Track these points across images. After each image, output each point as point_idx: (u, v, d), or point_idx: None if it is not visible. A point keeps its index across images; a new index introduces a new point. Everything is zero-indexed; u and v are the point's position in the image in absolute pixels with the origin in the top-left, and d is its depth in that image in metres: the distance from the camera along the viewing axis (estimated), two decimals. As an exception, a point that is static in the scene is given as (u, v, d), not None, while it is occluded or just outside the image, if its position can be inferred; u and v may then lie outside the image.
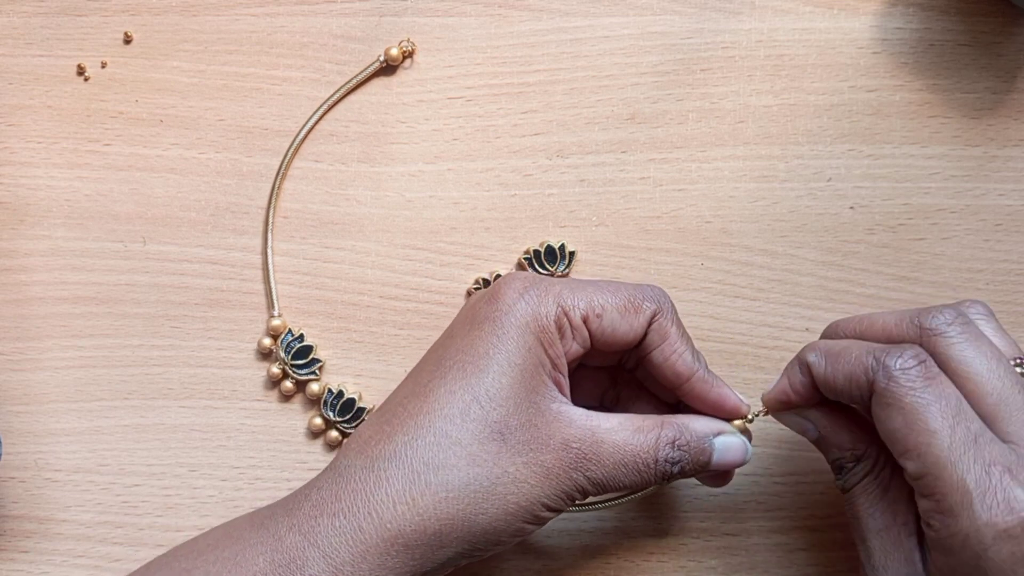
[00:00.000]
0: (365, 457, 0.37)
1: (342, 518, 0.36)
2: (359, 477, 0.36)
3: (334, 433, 0.45)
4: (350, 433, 0.45)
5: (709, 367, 0.40)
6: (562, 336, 0.38)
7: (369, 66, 0.46)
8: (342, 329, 0.46)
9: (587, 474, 0.37)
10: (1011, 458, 0.34)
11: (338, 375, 0.46)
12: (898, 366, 0.35)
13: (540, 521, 0.37)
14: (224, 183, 0.46)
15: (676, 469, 0.38)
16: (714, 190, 0.46)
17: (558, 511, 0.38)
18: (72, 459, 0.45)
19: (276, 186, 0.46)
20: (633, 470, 0.37)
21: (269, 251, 0.46)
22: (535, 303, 0.38)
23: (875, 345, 0.36)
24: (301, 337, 0.45)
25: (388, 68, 0.46)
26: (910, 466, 0.35)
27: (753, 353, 0.46)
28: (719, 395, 0.39)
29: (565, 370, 0.38)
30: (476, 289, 0.45)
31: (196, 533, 0.45)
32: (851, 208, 0.46)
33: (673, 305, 0.40)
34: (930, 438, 0.34)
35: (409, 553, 0.36)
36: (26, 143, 0.46)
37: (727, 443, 0.39)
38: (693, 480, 0.45)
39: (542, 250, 0.46)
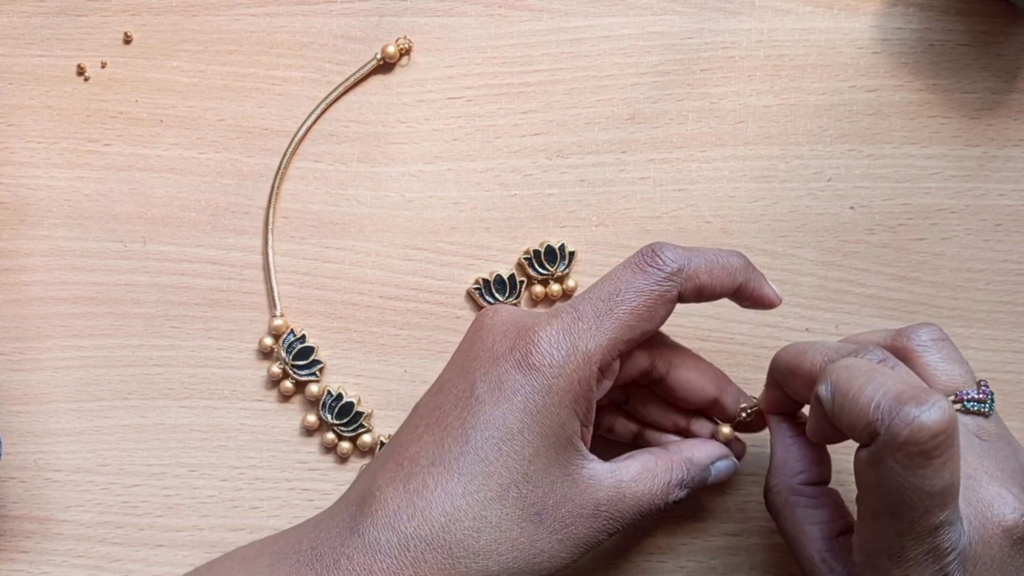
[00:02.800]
0: (399, 535, 0.35)
1: None
2: (394, 556, 0.35)
3: (330, 435, 0.45)
4: (347, 436, 0.45)
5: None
6: (598, 384, 0.37)
7: (366, 64, 0.46)
8: (342, 329, 0.46)
9: (610, 531, 0.37)
10: None
11: (338, 375, 0.46)
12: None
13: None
14: (224, 183, 0.46)
15: (679, 504, 0.39)
16: (714, 190, 0.46)
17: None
18: (72, 459, 0.45)
19: (276, 186, 0.46)
20: (646, 515, 0.38)
21: (270, 251, 0.46)
22: (568, 374, 0.36)
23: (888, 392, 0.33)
24: (303, 338, 0.45)
25: (386, 66, 0.46)
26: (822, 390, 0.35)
27: (753, 353, 0.46)
28: (760, 295, 0.40)
29: (592, 420, 0.38)
30: (476, 290, 0.45)
31: (196, 533, 0.45)
32: (851, 208, 0.46)
33: (677, 254, 0.38)
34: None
35: None
36: (26, 143, 0.46)
37: (721, 467, 0.41)
38: (693, 480, 0.45)
39: (542, 250, 0.46)
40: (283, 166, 0.46)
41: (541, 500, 0.36)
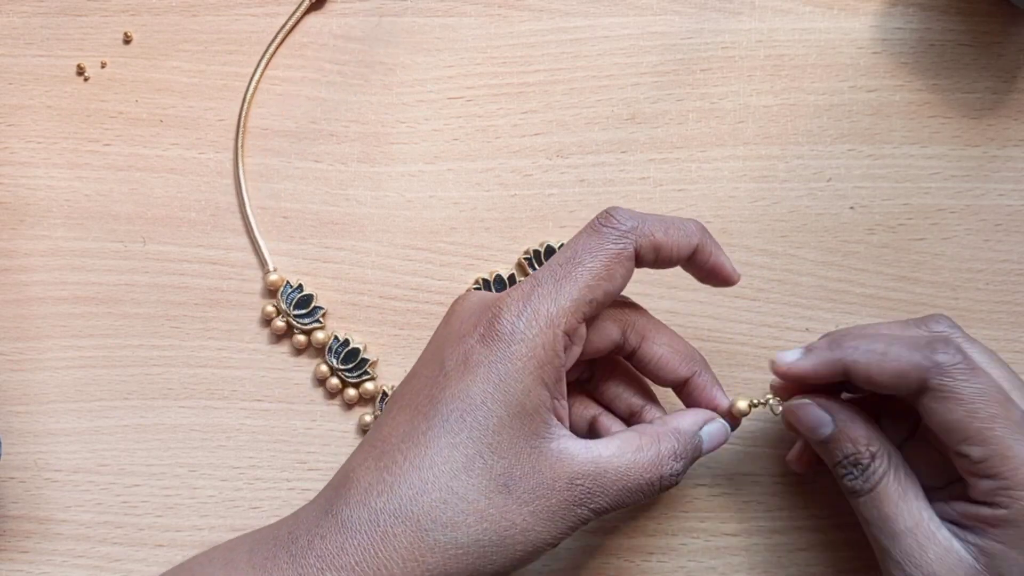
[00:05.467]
0: (369, 510, 0.36)
1: (349, 573, 0.35)
2: (365, 531, 0.36)
3: (335, 381, 0.45)
4: (352, 382, 0.45)
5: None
6: (567, 351, 0.37)
7: (299, 6, 0.46)
8: (342, 329, 0.46)
9: (591, 506, 0.37)
10: None
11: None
12: (950, 362, 0.37)
13: (540, 555, 0.37)
14: (224, 183, 0.46)
15: (678, 478, 0.38)
16: (714, 190, 0.46)
17: (556, 544, 0.37)
18: (72, 459, 0.45)
19: (247, 99, 0.46)
20: (637, 491, 0.37)
21: (246, 200, 0.46)
22: (531, 339, 0.36)
23: (914, 338, 0.38)
24: (300, 287, 0.45)
25: (318, 3, 0.46)
26: (975, 451, 0.36)
27: (753, 353, 0.46)
28: (716, 263, 0.39)
29: (564, 394, 0.38)
30: (476, 290, 0.45)
31: (196, 533, 0.45)
32: (851, 208, 0.46)
33: (631, 214, 0.38)
34: (992, 422, 0.36)
35: None
36: (26, 143, 0.46)
37: (712, 431, 0.40)
38: (694, 480, 0.45)
39: (542, 250, 0.46)
40: (252, 86, 0.46)
41: (508, 471, 0.36)
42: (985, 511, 0.37)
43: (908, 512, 0.38)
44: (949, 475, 0.38)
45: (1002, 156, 0.46)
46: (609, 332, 0.40)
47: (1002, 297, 0.46)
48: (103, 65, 0.47)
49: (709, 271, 0.39)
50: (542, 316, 0.36)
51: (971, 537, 0.37)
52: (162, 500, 0.45)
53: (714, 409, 0.40)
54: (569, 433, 0.37)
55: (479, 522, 0.36)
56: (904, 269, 0.46)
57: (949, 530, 0.37)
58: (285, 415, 0.46)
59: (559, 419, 0.37)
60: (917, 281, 0.46)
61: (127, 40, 0.47)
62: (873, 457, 0.38)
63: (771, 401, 0.41)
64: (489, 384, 0.36)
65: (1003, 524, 0.36)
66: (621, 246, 0.37)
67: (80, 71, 0.47)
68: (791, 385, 0.41)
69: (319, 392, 0.46)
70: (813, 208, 0.46)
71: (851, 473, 0.39)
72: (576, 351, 0.38)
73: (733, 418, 0.41)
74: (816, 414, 0.39)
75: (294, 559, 0.36)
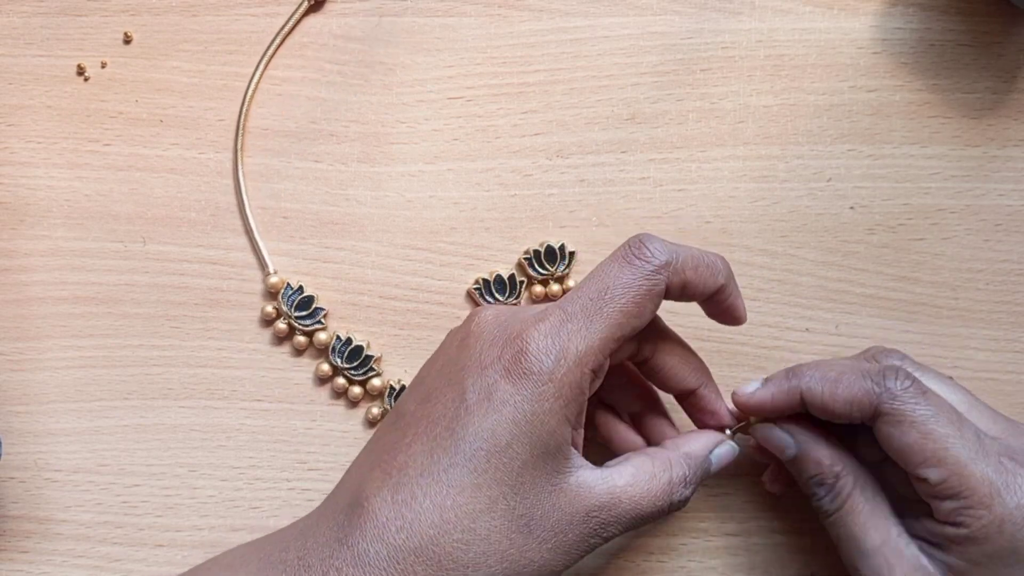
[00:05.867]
0: (388, 547, 0.35)
1: None
2: (383, 568, 0.35)
3: (341, 380, 0.45)
4: (357, 380, 0.45)
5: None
6: (590, 386, 0.37)
7: (298, 7, 0.46)
8: (342, 330, 0.46)
9: (605, 535, 0.37)
10: (1006, 448, 0.38)
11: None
12: (899, 387, 0.38)
13: None
14: (224, 183, 0.46)
15: (687, 503, 0.39)
16: (714, 190, 0.46)
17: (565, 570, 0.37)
18: (72, 459, 0.45)
19: (248, 98, 0.46)
20: (649, 516, 0.37)
21: (246, 200, 0.46)
22: (559, 379, 0.36)
23: (865, 367, 0.39)
24: (301, 289, 0.45)
25: (316, 5, 0.46)
26: (932, 473, 0.37)
27: (753, 353, 0.46)
28: (731, 306, 0.40)
29: (583, 423, 0.38)
30: (476, 290, 0.45)
31: (196, 533, 0.45)
32: (851, 208, 0.46)
33: (664, 247, 0.38)
34: (946, 443, 0.37)
35: None
36: (26, 143, 0.46)
37: (721, 454, 0.40)
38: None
39: (542, 250, 0.46)
40: (251, 87, 0.46)
41: (530, 511, 0.36)
42: (949, 530, 0.37)
43: (876, 530, 0.38)
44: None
45: (1002, 156, 0.46)
46: (626, 347, 0.39)
47: (1002, 297, 0.46)
48: (103, 65, 0.47)
49: (724, 310, 0.40)
50: (571, 355, 0.36)
51: (939, 554, 0.38)
52: (162, 500, 0.45)
53: (719, 423, 0.41)
54: (585, 463, 0.37)
55: (499, 563, 0.35)
56: (904, 269, 0.46)
57: (919, 547, 0.38)
58: (285, 415, 0.46)
59: (576, 448, 0.37)
60: (917, 281, 0.46)
61: (127, 40, 0.47)
62: (838, 477, 0.39)
63: (735, 431, 0.42)
64: (515, 425, 0.35)
65: (967, 542, 0.37)
66: (653, 283, 0.37)
67: (80, 71, 0.47)
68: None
69: (319, 392, 0.46)
70: (813, 208, 0.46)
71: (817, 493, 0.40)
72: (598, 383, 0.38)
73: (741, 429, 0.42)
74: (779, 436, 0.41)
75: None
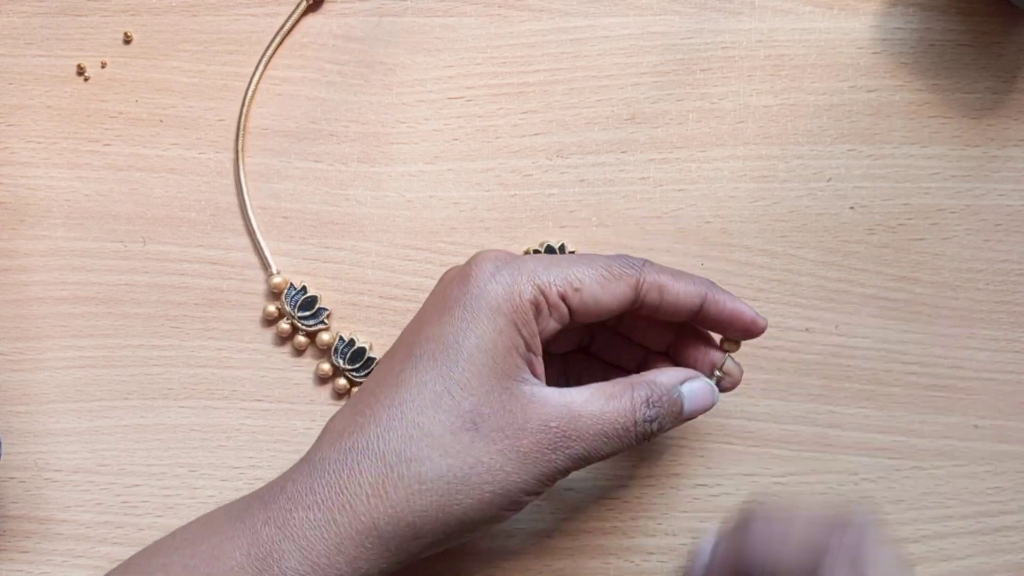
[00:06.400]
0: (338, 450, 0.36)
1: (316, 511, 0.36)
2: (332, 469, 0.36)
3: (342, 381, 0.45)
4: (360, 382, 0.45)
5: (712, 282, 0.40)
6: (538, 315, 0.37)
7: (296, 8, 0.46)
8: (342, 330, 0.46)
9: (567, 452, 0.37)
10: None
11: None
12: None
13: (519, 506, 0.37)
14: (224, 183, 0.46)
15: (655, 427, 0.38)
16: (714, 190, 0.46)
17: (538, 494, 0.37)
18: (72, 459, 0.45)
19: (248, 98, 0.46)
20: (613, 437, 0.37)
21: (247, 201, 0.46)
22: (508, 283, 0.37)
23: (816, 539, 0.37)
24: (304, 289, 0.45)
25: (315, 4, 0.46)
26: None
27: (753, 353, 0.46)
28: (734, 310, 0.39)
29: (539, 350, 0.38)
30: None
31: (196, 533, 0.45)
32: (851, 208, 0.46)
33: (650, 260, 0.39)
34: None
35: (384, 544, 0.36)
36: (26, 143, 0.46)
37: (694, 389, 0.39)
38: (693, 480, 0.45)
39: (542, 250, 0.46)
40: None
41: (476, 408, 0.36)
42: None
43: None
44: None
45: (1002, 156, 0.46)
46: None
47: (1002, 297, 0.46)
48: (103, 65, 0.47)
49: (728, 319, 0.39)
50: (524, 272, 0.37)
51: None
52: (162, 500, 0.45)
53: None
54: (541, 382, 0.37)
55: (443, 457, 0.36)
56: (904, 269, 0.46)
57: None
58: (285, 415, 0.46)
59: (534, 373, 0.38)
60: (917, 281, 0.46)
61: (127, 40, 0.47)
62: None
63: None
64: (463, 323, 0.37)
65: None
66: (625, 268, 0.38)
67: (80, 71, 0.47)
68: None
69: (320, 392, 0.46)
70: (813, 208, 0.46)
71: None
72: (553, 325, 0.38)
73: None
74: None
75: (265, 504, 0.37)
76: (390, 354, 0.39)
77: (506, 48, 0.46)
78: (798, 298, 0.46)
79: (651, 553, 0.45)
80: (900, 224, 0.46)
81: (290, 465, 0.45)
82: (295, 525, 0.36)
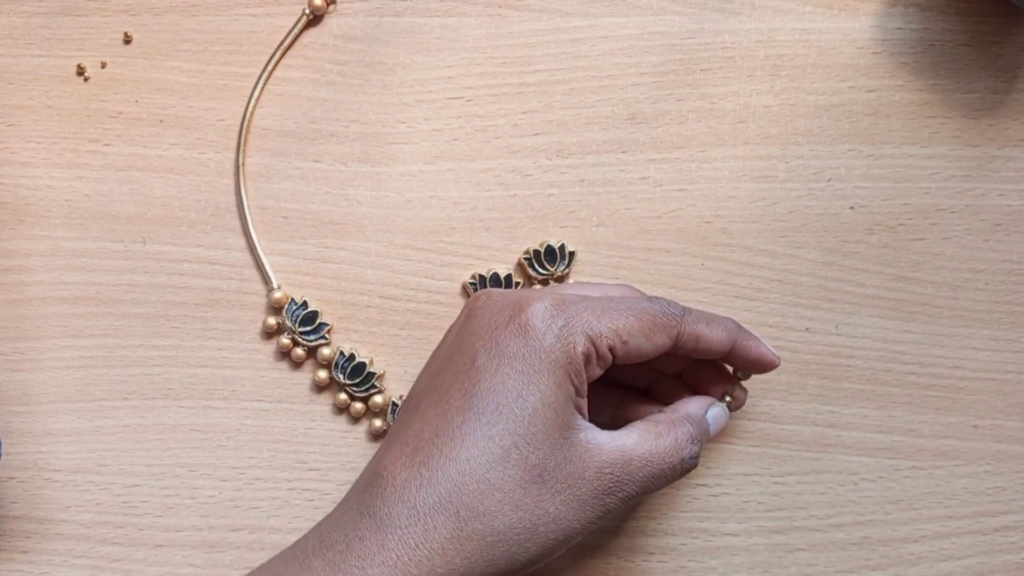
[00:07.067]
0: (408, 505, 0.36)
1: (392, 568, 0.36)
2: (405, 526, 0.36)
3: (343, 396, 0.45)
4: (359, 396, 0.45)
5: (736, 323, 0.42)
6: (587, 364, 0.38)
7: (297, 21, 0.46)
8: (342, 330, 0.46)
9: (620, 495, 0.38)
10: None
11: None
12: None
13: (571, 544, 0.38)
14: (224, 183, 0.46)
15: (696, 461, 0.40)
16: (714, 190, 0.46)
17: (585, 533, 0.38)
18: (72, 459, 0.45)
19: (249, 108, 0.46)
20: (661, 476, 0.39)
21: (246, 207, 0.46)
22: (564, 336, 0.38)
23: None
24: (305, 304, 0.45)
25: (316, 19, 0.46)
26: None
27: (753, 353, 0.46)
28: (759, 354, 0.41)
29: (586, 393, 0.39)
30: (472, 285, 0.45)
31: (196, 533, 0.45)
32: (851, 208, 0.46)
33: (689, 309, 0.40)
34: None
35: None
36: (26, 143, 0.46)
37: (715, 415, 0.42)
38: (694, 480, 0.45)
39: (542, 250, 0.46)
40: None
41: (543, 461, 0.37)
42: None
43: None
44: None
45: (1002, 156, 0.46)
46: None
47: (1002, 297, 0.46)
48: (103, 65, 0.47)
49: (753, 362, 0.41)
50: (578, 324, 0.38)
51: None
52: (162, 500, 0.45)
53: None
54: (592, 426, 0.38)
55: (514, 511, 0.36)
56: (904, 269, 0.46)
57: None
58: (285, 415, 0.46)
59: (581, 412, 0.38)
60: (917, 281, 0.46)
61: (127, 40, 0.47)
62: None
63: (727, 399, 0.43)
64: (524, 376, 0.37)
65: None
66: (668, 318, 0.39)
67: (80, 71, 0.47)
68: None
69: (320, 393, 0.46)
70: (813, 208, 0.46)
71: None
72: (597, 372, 0.39)
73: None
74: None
75: (332, 565, 0.36)
76: (442, 397, 0.38)
77: (506, 48, 0.46)
78: (798, 298, 0.46)
79: (651, 553, 0.45)
80: (900, 224, 0.46)
81: (290, 465, 0.46)
82: None
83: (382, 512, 0.36)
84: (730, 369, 0.43)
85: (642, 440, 0.38)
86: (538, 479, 0.37)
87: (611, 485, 0.37)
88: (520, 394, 0.37)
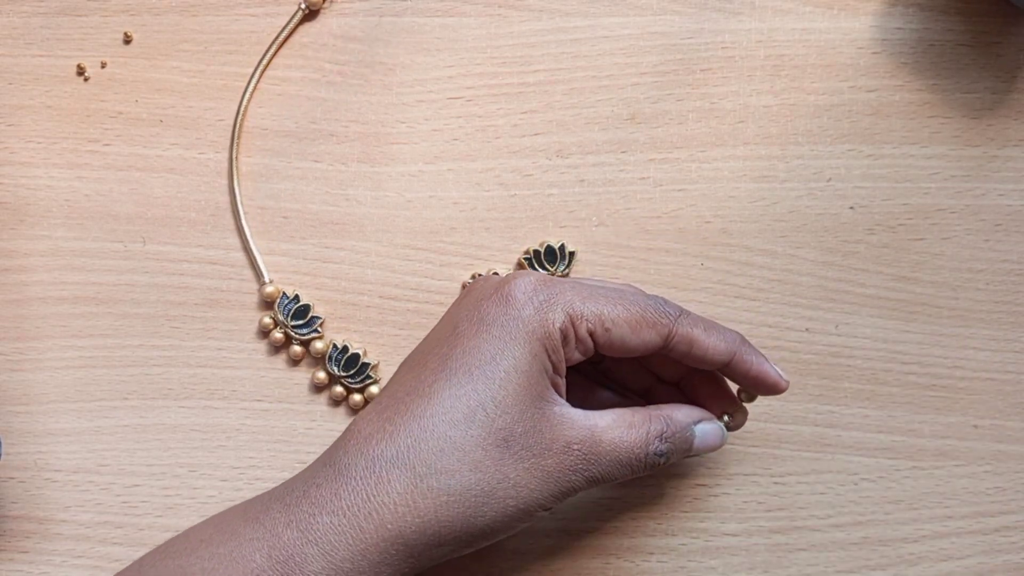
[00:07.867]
0: (367, 457, 0.37)
1: (342, 517, 0.36)
2: (360, 476, 0.36)
3: (339, 388, 0.45)
4: (355, 389, 0.45)
5: (744, 338, 0.41)
6: (565, 344, 0.38)
7: (292, 16, 0.46)
8: (342, 330, 0.46)
9: (585, 474, 0.38)
10: None
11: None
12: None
13: (532, 520, 0.38)
14: (224, 183, 0.46)
15: (663, 460, 0.39)
16: (714, 190, 0.46)
17: (550, 509, 0.38)
18: (72, 459, 0.45)
19: (243, 104, 0.46)
20: (626, 465, 0.38)
21: (239, 199, 0.46)
22: (544, 309, 0.38)
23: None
24: (297, 298, 0.45)
25: (312, 14, 0.46)
26: None
27: (753, 353, 0.46)
28: (760, 372, 0.40)
29: (564, 373, 0.39)
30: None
31: (196, 533, 0.45)
32: (851, 208, 0.46)
33: (687, 311, 0.40)
34: None
35: (408, 552, 0.36)
36: (26, 143, 0.46)
37: (706, 430, 0.41)
38: (694, 480, 0.45)
39: (542, 250, 0.46)
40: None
41: (509, 426, 0.37)
42: None
43: None
44: None
45: (1002, 156, 0.46)
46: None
47: (1002, 297, 0.46)
48: (103, 65, 0.47)
49: (754, 379, 0.40)
50: (560, 300, 0.38)
51: None
52: (162, 500, 0.45)
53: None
54: (566, 402, 0.38)
55: (473, 472, 0.36)
56: (904, 269, 0.46)
57: None
58: (285, 415, 0.46)
59: (556, 389, 0.38)
60: (917, 281, 0.46)
61: (127, 40, 0.47)
62: None
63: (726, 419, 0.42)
64: (501, 342, 0.37)
65: None
66: (660, 314, 0.39)
67: (80, 71, 0.47)
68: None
69: (319, 393, 0.46)
70: (813, 208, 0.46)
71: None
72: (577, 356, 0.39)
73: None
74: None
75: (287, 507, 0.37)
76: (420, 361, 0.39)
77: (506, 48, 0.46)
78: (798, 298, 0.46)
79: (651, 553, 0.45)
80: (900, 224, 0.46)
81: (290, 465, 0.46)
82: (319, 530, 0.36)
83: (342, 463, 0.37)
84: (734, 389, 0.42)
85: (614, 424, 0.38)
86: (502, 443, 0.36)
87: (577, 463, 0.37)
88: (494, 358, 0.37)
